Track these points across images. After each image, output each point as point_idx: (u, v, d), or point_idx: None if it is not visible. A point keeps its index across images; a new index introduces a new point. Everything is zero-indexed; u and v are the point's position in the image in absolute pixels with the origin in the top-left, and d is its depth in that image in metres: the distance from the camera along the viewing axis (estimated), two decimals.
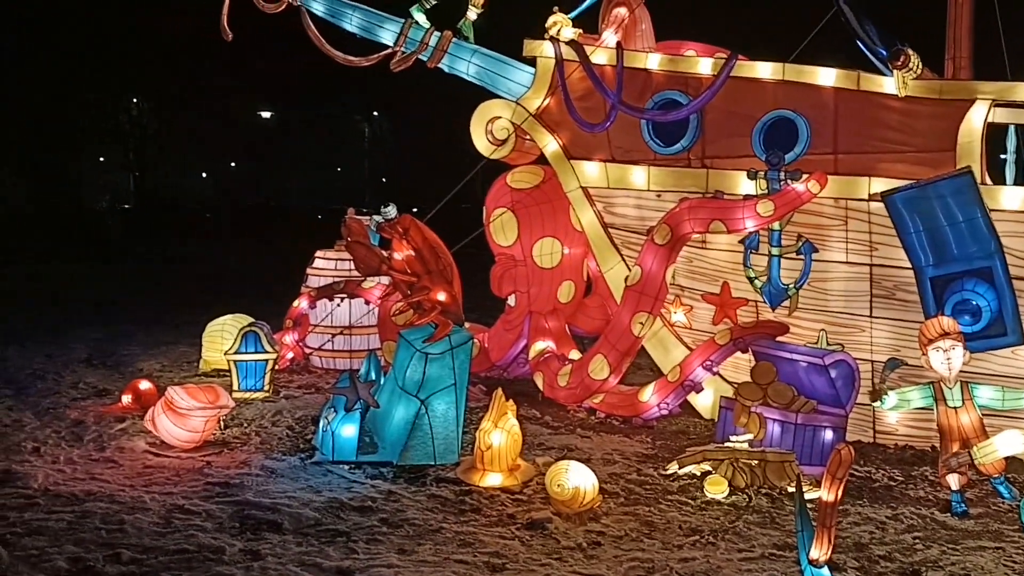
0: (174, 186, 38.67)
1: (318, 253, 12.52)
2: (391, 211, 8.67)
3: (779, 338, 8.82)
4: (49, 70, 31.23)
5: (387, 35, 10.76)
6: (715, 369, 9.14)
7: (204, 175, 45.66)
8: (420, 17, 10.71)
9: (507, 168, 11.09)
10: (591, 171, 10.21)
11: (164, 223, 34.59)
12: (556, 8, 10.53)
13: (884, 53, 8.46)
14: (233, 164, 38.81)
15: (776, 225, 9.09)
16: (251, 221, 36.97)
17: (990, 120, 8.45)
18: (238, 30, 11.19)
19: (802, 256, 9.11)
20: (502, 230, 10.76)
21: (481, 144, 10.66)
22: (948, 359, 7.14)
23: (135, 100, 37.33)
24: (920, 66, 8.43)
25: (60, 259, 25.21)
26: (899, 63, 8.21)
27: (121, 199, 38.88)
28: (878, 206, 8.63)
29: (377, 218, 8.96)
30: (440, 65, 10.74)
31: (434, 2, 10.72)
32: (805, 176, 8.84)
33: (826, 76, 8.94)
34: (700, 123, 9.60)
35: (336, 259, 12.23)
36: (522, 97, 10.40)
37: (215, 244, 33.00)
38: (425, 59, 10.71)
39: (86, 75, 31.72)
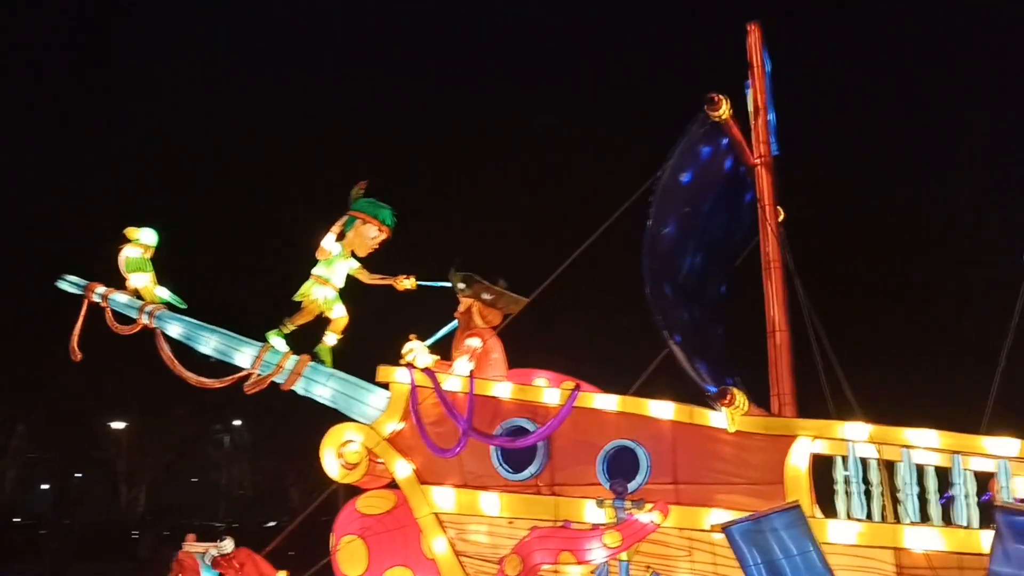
0: (7, 501, 35.90)
1: None
2: (228, 545, 8.29)
3: None
4: None
5: (243, 358, 10.86)
6: None
7: (45, 487, 42.84)
8: (278, 341, 10.93)
9: (357, 492, 10.88)
10: (443, 497, 10.13)
11: None
12: (412, 336, 10.98)
13: (713, 391, 9.08)
14: (79, 475, 36.68)
15: (624, 556, 9.08)
16: (91, 540, 34.24)
17: (816, 452, 8.99)
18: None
19: None
20: (350, 559, 10.32)
21: (332, 468, 10.51)
22: None
23: None
24: (747, 404, 9.04)
25: None
26: (725, 401, 8.82)
27: None
28: (721, 537, 8.80)
29: (212, 551, 8.51)
30: (295, 388, 10.81)
31: (292, 327, 11.01)
32: (649, 506, 9.03)
33: (662, 409, 9.45)
34: (548, 450, 9.84)
35: None
36: (376, 421, 10.47)
37: (47, 567, 30.18)
38: (280, 382, 10.79)
39: None
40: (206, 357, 11.00)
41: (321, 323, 11.19)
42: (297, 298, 11.06)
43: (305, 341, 11.14)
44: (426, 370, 10.47)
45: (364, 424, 10.51)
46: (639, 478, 9.33)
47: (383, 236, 11.21)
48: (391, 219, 11.22)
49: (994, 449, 8.64)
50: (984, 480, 8.90)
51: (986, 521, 8.40)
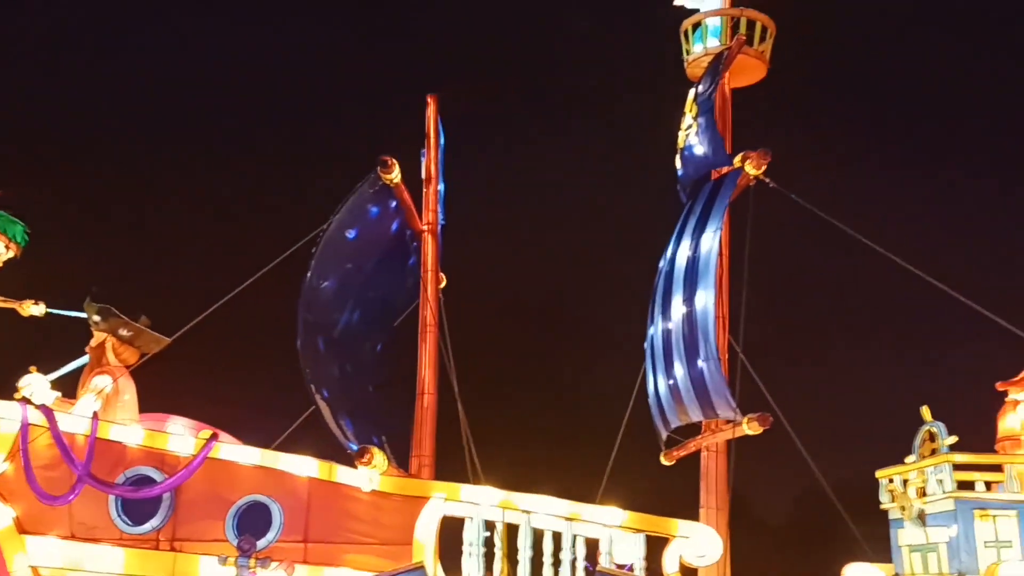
0: None
1: None
2: None
3: None
4: None
5: None
6: None
7: None
8: None
9: None
10: (45, 549, 9.19)
11: None
12: (33, 368, 9.93)
13: (353, 448, 9.06)
14: None
15: None
16: None
17: (447, 514, 9.22)
18: None
19: None
20: None
21: None
22: None
23: None
24: (386, 463, 9.11)
25: None
26: (364, 460, 8.84)
27: None
28: None
29: None
30: None
31: None
32: (275, 564, 8.77)
33: (302, 465, 9.25)
34: (174, 502, 9.25)
35: None
36: None
37: None
38: None
39: None
40: None
41: None
42: None
43: None
44: (42, 407, 9.50)
45: None
46: (270, 535, 9.04)
47: (11, 254, 10.13)
48: (23, 236, 10.17)
49: (601, 518, 9.36)
50: (595, 545, 9.60)
51: None
